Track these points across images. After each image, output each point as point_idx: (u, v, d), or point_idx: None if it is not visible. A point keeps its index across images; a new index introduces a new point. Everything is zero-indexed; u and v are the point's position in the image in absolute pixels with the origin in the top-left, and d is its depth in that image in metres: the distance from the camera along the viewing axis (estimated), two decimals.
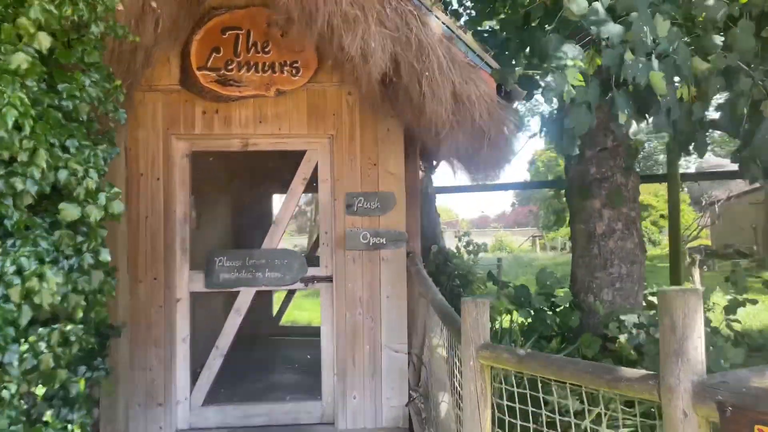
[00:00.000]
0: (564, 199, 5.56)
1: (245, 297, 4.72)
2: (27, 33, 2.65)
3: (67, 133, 2.95)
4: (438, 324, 3.45)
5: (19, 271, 2.65)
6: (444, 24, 3.41)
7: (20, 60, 2.60)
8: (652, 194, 35.77)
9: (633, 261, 4.69)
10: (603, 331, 4.36)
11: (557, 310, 4.84)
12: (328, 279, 4.69)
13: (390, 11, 3.16)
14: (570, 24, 3.46)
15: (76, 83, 2.94)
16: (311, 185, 4.83)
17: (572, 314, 4.61)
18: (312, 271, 4.71)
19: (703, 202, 30.44)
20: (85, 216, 2.90)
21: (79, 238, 3.01)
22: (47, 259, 2.83)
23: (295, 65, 4.50)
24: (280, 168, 4.77)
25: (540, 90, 3.61)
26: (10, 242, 2.74)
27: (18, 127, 2.62)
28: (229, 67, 4.43)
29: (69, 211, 2.87)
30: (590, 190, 4.70)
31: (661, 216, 31.69)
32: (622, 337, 3.88)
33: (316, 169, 4.74)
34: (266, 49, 4.48)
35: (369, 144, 4.66)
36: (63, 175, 2.88)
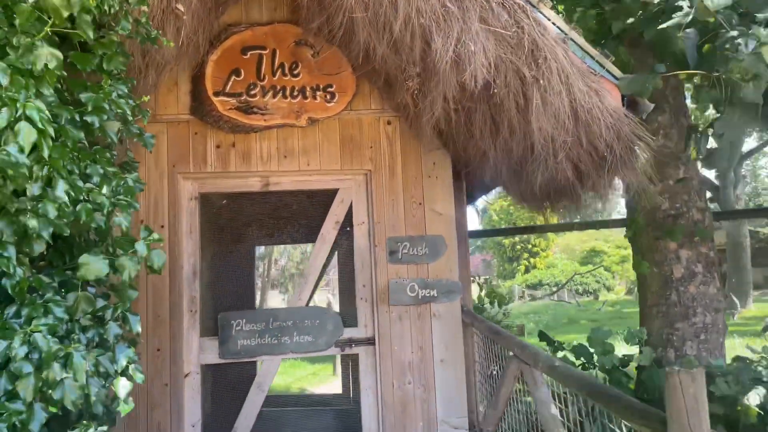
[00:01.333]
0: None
1: (269, 367, 3.89)
2: (57, 14, 1.90)
3: (88, 158, 2.18)
4: (547, 402, 2.74)
5: (27, 355, 1.83)
6: (554, 23, 2.85)
7: (44, 56, 1.85)
8: (602, 240, 36.43)
9: (716, 308, 4.17)
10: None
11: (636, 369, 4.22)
12: (369, 341, 3.93)
13: (495, 5, 2.58)
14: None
15: (104, 93, 2.18)
16: (344, 229, 4.10)
17: (658, 373, 3.99)
18: (349, 333, 3.94)
19: None
20: (117, 271, 2.11)
21: (100, 302, 2.20)
22: (60, 332, 2.02)
23: (329, 90, 3.85)
24: (306, 211, 4.04)
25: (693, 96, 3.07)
26: (10, 311, 1.92)
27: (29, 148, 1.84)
28: (252, 92, 3.74)
29: (93, 267, 2.08)
30: (664, 228, 4.19)
31: (622, 261, 32.15)
32: (753, 398, 3.28)
33: (350, 210, 4.04)
34: (295, 72, 3.82)
35: (413, 180, 4.02)
36: (83, 212, 2.09)
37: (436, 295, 3.92)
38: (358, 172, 4.02)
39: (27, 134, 1.72)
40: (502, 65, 2.58)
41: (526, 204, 3.75)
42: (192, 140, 3.85)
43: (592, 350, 4.30)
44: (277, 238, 3.98)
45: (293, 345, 3.87)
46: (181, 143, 3.83)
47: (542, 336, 5.01)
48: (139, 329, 2.26)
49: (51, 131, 1.84)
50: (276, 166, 3.90)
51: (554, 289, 27.79)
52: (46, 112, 1.80)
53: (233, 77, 3.72)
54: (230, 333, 3.82)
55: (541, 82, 2.57)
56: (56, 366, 1.80)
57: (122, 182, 2.27)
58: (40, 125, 1.79)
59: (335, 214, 4.03)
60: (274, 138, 3.92)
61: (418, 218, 3.99)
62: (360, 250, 4.02)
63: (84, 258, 2.08)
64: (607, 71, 2.91)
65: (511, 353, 3.11)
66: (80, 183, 2.14)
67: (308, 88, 3.82)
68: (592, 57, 2.90)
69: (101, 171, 2.22)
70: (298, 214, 4.05)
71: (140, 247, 2.18)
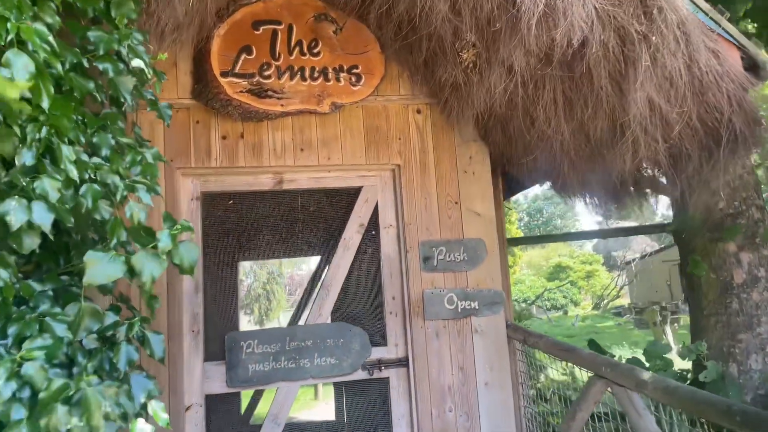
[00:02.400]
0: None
1: (286, 396, 3.30)
2: None
3: (96, 124, 1.62)
4: None
5: (15, 394, 1.26)
6: None
7: None
8: (567, 256, 36.58)
9: None
10: None
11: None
12: (402, 362, 3.39)
13: None
14: None
15: (120, 35, 1.63)
16: (368, 233, 3.57)
17: (728, 388, 3.54)
18: (378, 353, 3.40)
19: (619, 262, 31.39)
20: (135, 274, 1.55)
21: (109, 317, 1.63)
22: (60, 358, 1.45)
23: (354, 71, 3.34)
24: (325, 213, 3.50)
25: None
26: None
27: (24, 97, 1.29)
28: (266, 73, 3.20)
29: (103, 268, 1.52)
30: (722, 229, 3.79)
31: (587, 277, 32.28)
32: None
33: (375, 211, 3.51)
34: (315, 50, 3.30)
35: (447, 176, 3.52)
36: (89, 196, 1.53)
37: (477, 307, 3.41)
38: (385, 167, 3.51)
39: (22, 65, 1.15)
40: (600, 20, 2.13)
41: (586, 201, 3.29)
42: (193, 130, 3.28)
43: (647, 365, 3.85)
44: (291, 244, 3.43)
45: (314, 369, 3.30)
46: (180, 134, 3.25)
47: (591, 344, 4.53)
48: (163, 353, 1.69)
49: (55, 69, 1.28)
50: (291, 161, 3.35)
51: (523, 305, 27.65)
52: (51, 39, 1.24)
53: (244, 55, 3.18)
54: (239, 356, 3.23)
55: (653, 39, 2.13)
56: (61, 409, 1.22)
57: (139, 158, 1.70)
58: (39, 58, 1.22)
59: (359, 216, 3.50)
60: (289, 128, 3.38)
61: (454, 219, 3.49)
62: (388, 256, 3.49)
63: (91, 256, 1.51)
64: (724, 30, 2.49)
65: (590, 373, 2.61)
66: (85, 157, 1.58)
67: (330, 69, 3.30)
68: (705, 12, 2.47)
69: (113, 142, 1.66)
70: (317, 217, 3.50)
71: (164, 239, 1.62)
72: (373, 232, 3.54)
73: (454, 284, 3.43)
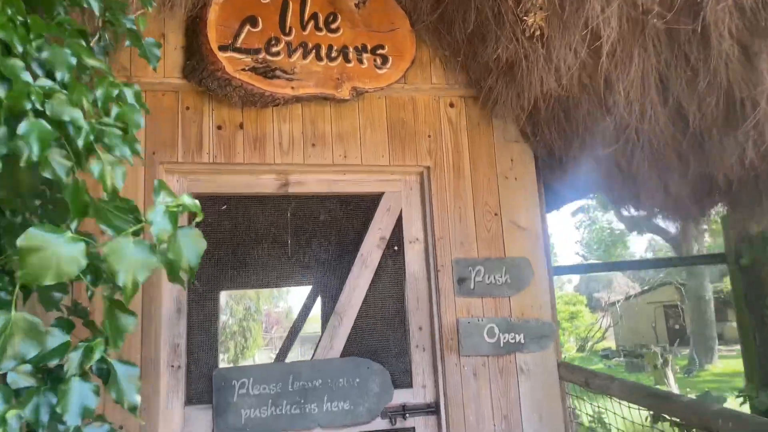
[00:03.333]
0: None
1: None
2: None
3: (47, 31, 1.01)
4: None
5: None
6: None
7: None
8: None
9: None
10: None
11: None
12: (431, 409, 2.75)
13: None
14: None
15: None
16: (390, 249, 2.95)
17: None
18: (401, 396, 2.75)
19: (603, 303, 31.07)
20: (102, 275, 0.93)
21: (55, 337, 0.98)
22: None
23: (379, 51, 2.78)
24: (338, 222, 2.88)
25: None
26: None
27: None
28: (274, 49, 2.63)
29: (49, 259, 0.87)
30: None
31: (570, 318, 31.75)
32: None
33: (399, 222, 2.92)
34: (332, 26, 2.74)
35: (485, 182, 2.95)
36: (33, 138, 0.90)
37: (523, 341, 2.80)
38: (411, 169, 2.93)
39: None
40: None
41: (658, 210, 2.73)
42: (182, 117, 2.68)
43: None
44: (297, 261, 2.81)
45: (323, 416, 2.63)
46: (165, 121, 2.65)
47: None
48: (138, 400, 1.05)
49: None
50: (300, 158, 2.76)
51: None
52: None
53: (247, 27, 2.61)
54: (230, 399, 2.56)
55: None
56: None
57: (114, 91, 1.10)
58: None
59: (379, 228, 2.89)
60: (299, 118, 2.79)
61: (493, 234, 2.90)
62: (414, 277, 2.87)
63: (32, 239, 0.89)
64: None
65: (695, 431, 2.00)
66: (27, 76, 0.97)
67: (351, 49, 2.74)
68: None
69: (73, 60, 1.04)
70: (328, 228, 2.88)
71: (159, 220, 1.00)
72: (396, 248, 2.93)
73: (494, 312, 2.82)
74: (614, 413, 2.88)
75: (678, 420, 2.10)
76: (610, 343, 28.40)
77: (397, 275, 2.91)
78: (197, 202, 1.06)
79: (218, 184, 2.76)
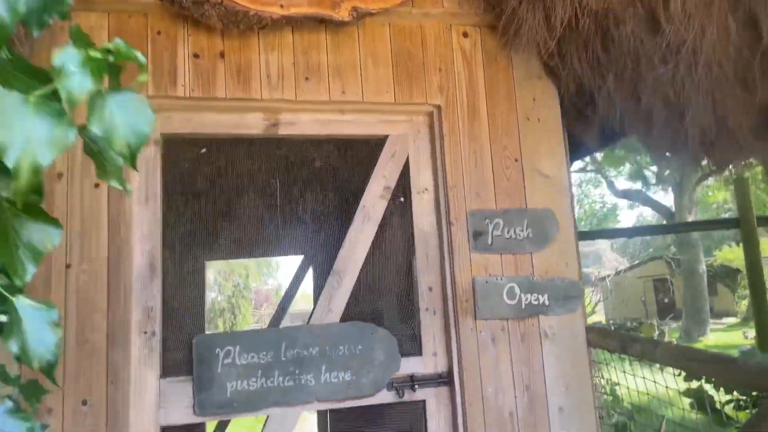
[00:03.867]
0: None
1: (279, 428, 2.29)
2: None
3: None
4: None
5: None
6: None
7: None
8: None
9: None
10: None
11: None
12: (443, 379, 2.42)
13: None
14: None
15: None
16: (395, 200, 2.60)
17: None
18: (409, 365, 2.41)
19: (593, 278, 31.04)
20: None
21: None
22: None
23: None
24: (335, 170, 2.51)
25: None
26: None
27: None
28: None
29: None
30: None
31: None
32: None
33: (406, 169, 2.55)
34: None
35: (504, 124, 2.58)
36: None
37: (547, 302, 2.47)
38: (420, 109, 2.56)
39: None
40: None
41: (707, 152, 2.37)
42: (152, 44, 2.28)
43: None
44: (288, 213, 2.44)
45: (321, 388, 2.29)
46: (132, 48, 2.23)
47: None
48: (55, 353, 0.68)
49: None
50: (291, 93, 2.38)
51: None
52: None
53: None
54: (214, 370, 2.22)
55: None
56: None
57: None
58: None
59: (383, 176, 2.53)
60: (289, 47, 2.40)
61: (514, 182, 2.55)
62: (423, 232, 2.52)
63: None
64: None
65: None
66: None
67: None
68: None
69: None
70: (324, 176, 2.51)
71: (74, 72, 0.62)
72: (403, 199, 2.57)
73: (515, 270, 2.47)
74: (645, 379, 2.58)
75: (747, 387, 1.77)
76: (600, 317, 28.42)
77: (403, 230, 2.56)
78: (139, 55, 0.69)
79: (196, 124, 2.37)
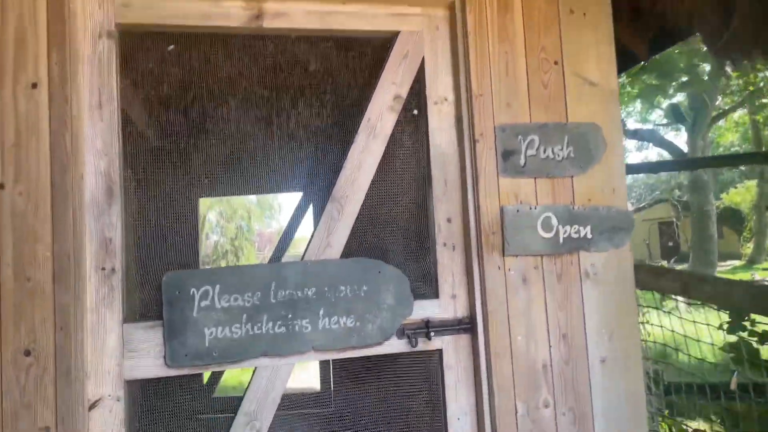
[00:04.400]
0: None
1: (269, 382, 1.92)
2: None
3: None
4: None
5: None
6: None
7: None
8: None
9: None
10: None
11: None
12: (464, 326, 2.03)
13: None
14: None
15: None
16: (407, 112, 2.15)
17: None
18: (423, 309, 2.02)
19: None
20: None
21: None
22: None
23: None
24: (335, 74, 2.05)
25: None
26: None
27: None
28: None
29: None
30: None
31: None
32: None
33: (420, 74, 2.09)
34: None
35: (541, 18, 2.11)
36: None
37: (590, 236, 2.05)
38: (437, 1, 2.07)
39: None
40: None
41: None
42: None
43: None
44: (278, 128, 2.00)
45: (318, 335, 1.91)
46: None
47: None
48: None
49: None
50: None
51: None
52: None
53: None
54: (188, 313, 1.83)
55: None
56: None
57: None
58: None
59: (393, 83, 2.07)
60: None
61: (552, 91, 2.09)
62: (442, 151, 2.08)
63: None
64: None
65: None
66: None
67: None
68: None
69: None
70: (321, 82, 2.05)
71: None
72: (417, 111, 2.12)
73: (552, 197, 2.05)
74: (695, 322, 2.20)
75: None
76: None
77: (417, 148, 2.12)
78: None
79: (161, 13, 1.90)
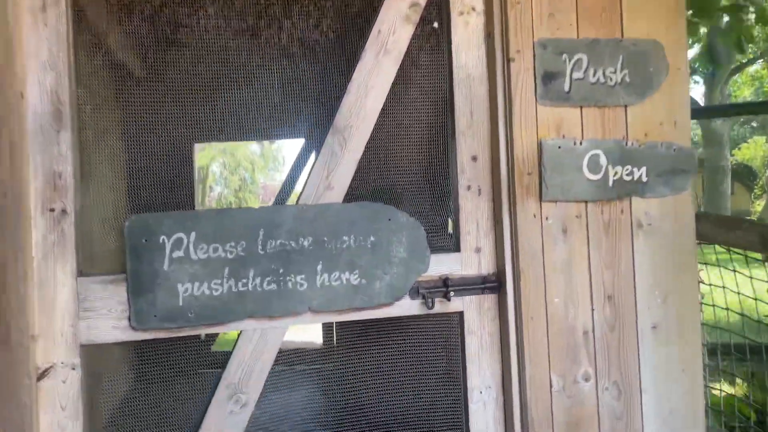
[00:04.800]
0: None
1: (257, 349, 1.60)
2: None
3: None
4: None
5: None
6: None
7: None
8: None
9: None
10: None
11: None
12: (491, 284, 1.70)
13: None
14: None
15: None
16: (424, 26, 1.76)
17: None
18: (441, 264, 1.69)
19: None
20: None
21: None
22: None
23: None
24: None
25: None
26: None
27: None
28: None
29: None
30: None
31: None
32: None
33: None
34: None
35: None
36: None
37: (645, 178, 1.70)
38: None
39: None
40: None
41: None
42: None
43: None
44: (267, 40, 1.63)
45: (316, 294, 1.59)
46: None
47: None
48: None
49: None
50: None
51: None
52: None
53: None
54: (158, 266, 1.50)
55: None
56: None
57: None
58: None
59: None
60: None
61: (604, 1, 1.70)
62: (467, 72, 1.71)
63: None
64: None
65: None
66: None
67: None
68: None
69: None
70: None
71: None
72: (438, 24, 1.74)
73: (601, 131, 1.69)
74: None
75: None
76: None
77: (438, 70, 1.75)
78: None
79: None
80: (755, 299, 2.14)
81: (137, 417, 1.61)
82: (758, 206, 26.26)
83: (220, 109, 1.91)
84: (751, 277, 2.33)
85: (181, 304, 1.52)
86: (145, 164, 1.82)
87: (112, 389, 1.66)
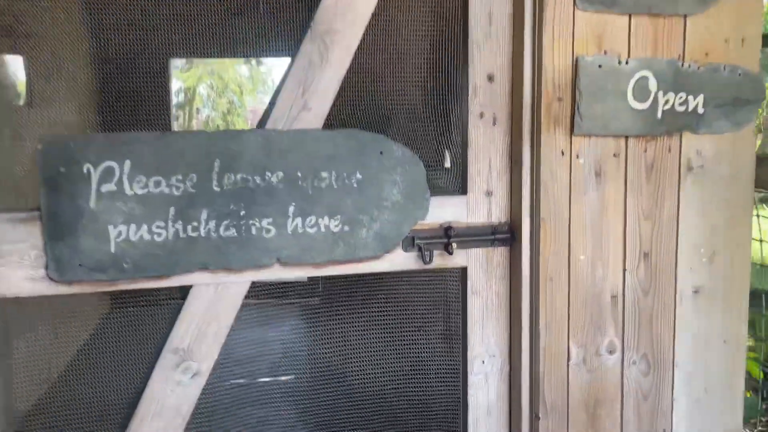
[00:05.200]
0: None
1: (209, 310, 1.29)
2: None
3: None
4: None
5: None
6: None
7: None
8: None
9: None
10: None
11: None
12: (502, 235, 1.38)
13: None
14: None
15: None
16: None
17: None
18: (442, 209, 1.36)
19: None
20: None
21: None
22: None
23: None
24: None
25: None
26: None
27: None
28: None
29: None
30: None
31: None
32: None
33: None
34: None
35: None
36: None
37: (701, 109, 1.36)
38: None
39: None
40: None
41: None
42: None
43: None
44: None
45: (286, 242, 1.26)
46: None
47: None
48: None
49: None
50: None
51: None
52: None
53: None
54: (82, 202, 1.16)
55: None
56: None
57: None
58: None
59: None
60: None
61: None
62: None
63: None
64: None
65: None
66: None
67: None
68: None
69: None
70: None
71: None
72: None
73: (652, 48, 1.33)
74: None
75: None
76: None
77: None
78: None
79: None
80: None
81: (63, 386, 1.31)
82: None
83: (196, 18, 1.53)
84: None
85: (113, 250, 1.19)
86: (104, 77, 1.46)
87: (30, 353, 1.35)
